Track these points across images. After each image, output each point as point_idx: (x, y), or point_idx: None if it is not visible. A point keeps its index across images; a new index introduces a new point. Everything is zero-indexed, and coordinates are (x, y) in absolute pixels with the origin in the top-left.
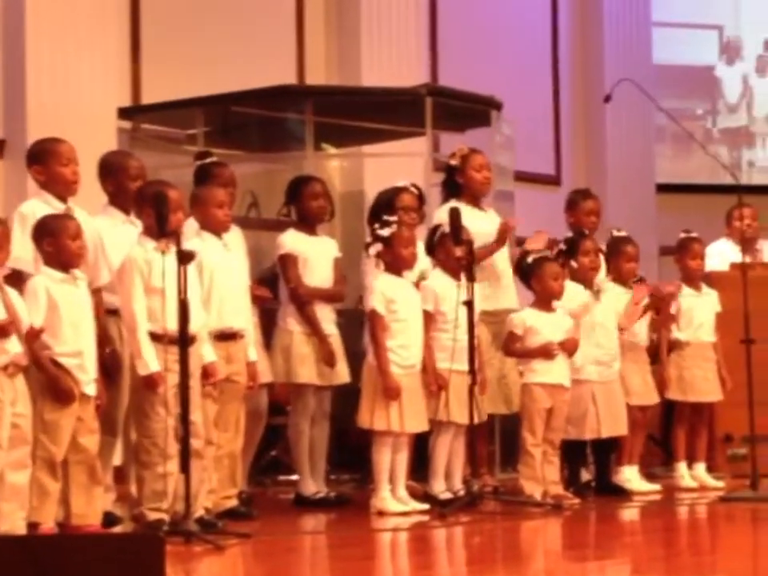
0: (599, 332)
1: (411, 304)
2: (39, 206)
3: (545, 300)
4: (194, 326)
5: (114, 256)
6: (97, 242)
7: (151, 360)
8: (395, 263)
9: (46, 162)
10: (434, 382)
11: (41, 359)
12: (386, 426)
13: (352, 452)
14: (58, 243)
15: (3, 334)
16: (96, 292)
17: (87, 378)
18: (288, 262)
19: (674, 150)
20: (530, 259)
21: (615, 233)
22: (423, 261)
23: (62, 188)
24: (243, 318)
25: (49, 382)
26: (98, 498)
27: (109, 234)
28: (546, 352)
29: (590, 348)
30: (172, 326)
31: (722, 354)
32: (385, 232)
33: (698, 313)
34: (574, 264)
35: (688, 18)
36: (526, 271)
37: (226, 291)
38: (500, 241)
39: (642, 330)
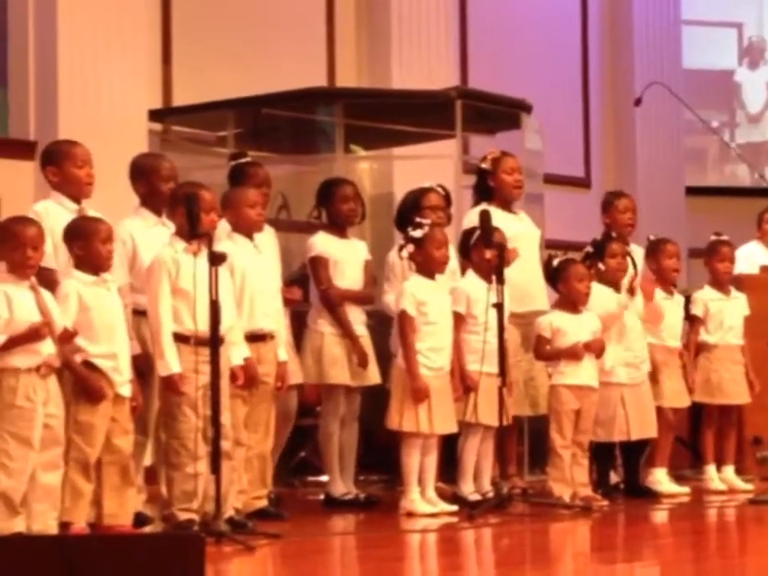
0: (629, 334)
1: (442, 306)
2: (53, 206)
3: (570, 302)
4: (223, 328)
5: (147, 257)
6: (126, 241)
7: (173, 361)
8: (427, 264)
9: (61, 163)
10: (460, 385)
11: (70, 361)
12: (415, 428)
13: (381, 453)
14: (89, 247)
15: (38, 336)
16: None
17: (122, 379)
18: (319, 264)
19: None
20: (555, 262)
21: (652, 237)
22: (454, 262)
23: (75, 189)
24: (274, 319)
25: (79, 383)
26: (130, 498)
27: (141, 236)
28: (573, 353)
29: (620, 351)
30: (201, 326)
31: (750, 357)
32: (417, 233)
33: (727, 316)
34: (601, 266)
35: (701, 14)
36: (552, 274)
37: (256, 293)
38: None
39: (673, 332)
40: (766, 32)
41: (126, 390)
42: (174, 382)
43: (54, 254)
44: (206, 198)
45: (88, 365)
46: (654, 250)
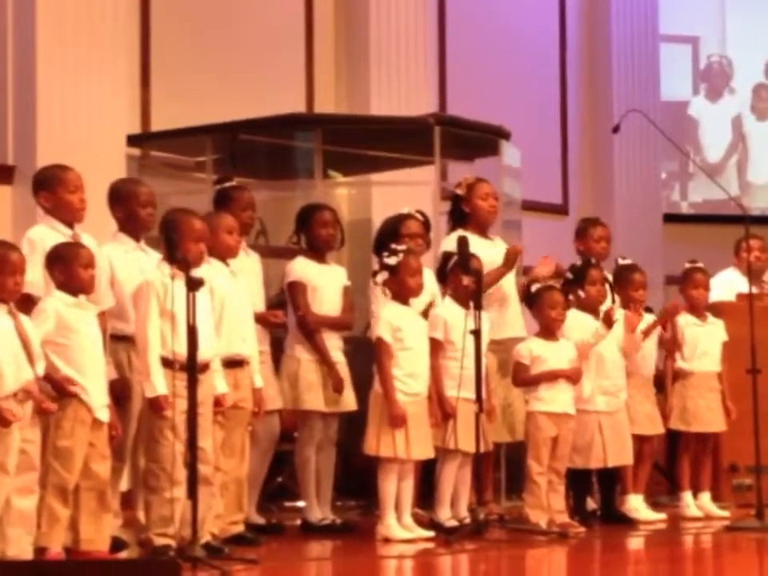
0: (607, 363)
1: (418, 332)
2: (47, 231)
3: (547, 329)
4: (205, 354)
5: (125, 283)
6: (105, 268)
7: (159, 383)
8: (401, 292)
9: (53, 188)
10: (437, 411)
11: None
12: (392, 453)
13: (358, 478)
14: (69, 271)
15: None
16: (100, 316)
17: (98, 403)
18: (296, 290)
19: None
20: (533, 288)
21: (621, 261)
22: (433, 288)
23: (68, 215)
24: (249, 344)
25: (54, 386)
26: (106, 524)
27: (119, 261)
28: (553, 376)
29: (598, 378)
30: (182, 352)
31: (727, 384)
32: (392, 261)
33: (703, 342)
34: (581, 293)
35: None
36: (530, 300)
37: (233, 318)
38: (507, 264)
39: (648, 360)
40: (729, 49)
41: (103, 415)
42: (160, 404)
43: (46, 280)
44: (195, 227)
45: (64, 387)
46: (621, 279)
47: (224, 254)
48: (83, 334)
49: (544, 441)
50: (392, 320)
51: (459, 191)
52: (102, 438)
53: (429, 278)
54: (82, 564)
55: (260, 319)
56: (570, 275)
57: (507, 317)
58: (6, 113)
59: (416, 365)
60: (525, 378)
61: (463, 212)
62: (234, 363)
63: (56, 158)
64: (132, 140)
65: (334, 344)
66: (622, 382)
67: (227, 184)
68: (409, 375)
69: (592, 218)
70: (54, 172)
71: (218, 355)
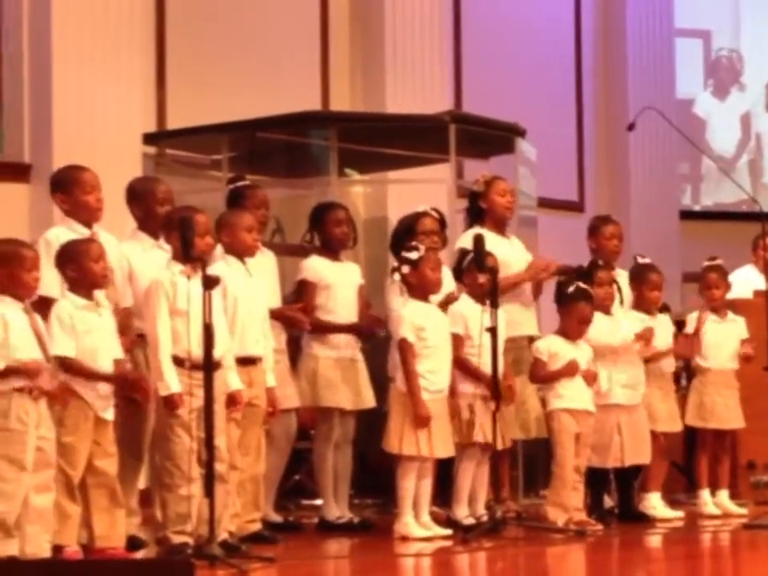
0: (624, 357)
1: (440, 329)
2: (64, 232)
3: (569, 334)
4: (218, 352)
5: (144, 281)
6: (123, 265)
7: (172, 381)
8: (422, 286)
9: (70, 190)
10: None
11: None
12: (416, 451)
13: (375, 476)
14: (81, 267)
15: (36, 374)
16: (125, 312)
17: (103, 403)
18: (304, 288)
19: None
20: (570, 289)
21: (639, 259)
22: (449, 285)
23: (86, 215)
24: (264, 343)
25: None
26: (120, 520)
27: (138, 259)
28: (571, 369)
29: (617, 373)
30: (196, 350)
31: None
32: (413, 255)
33: (721, 339)
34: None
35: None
36: (560, 299)
37: (247, 317)
38: (529, 273)
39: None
40: (742, 44)
41: (108, 414)
42: (174, 401)
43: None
44: (200, 221)
45: (68, 389)
46: (637, 278)
47: (243, 252)
48: (90, 335)
49: (569, 438)
50: (414, 319)
51: (477, 188)
52: (107, 436)
53: (446, 275)
54: (95, 564)
55: (278, 315)
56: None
57: (521, 315)
58: (22, 111)
59: (439, 362)
60: (543, 375)
61: (480, 209)
62: (247, 361)
63: (72, 157)
64: (148, 138)
65: (351, 342)
66: (640, 377)
67: (240, 183)
68: (431, 372)
69: (603, 216)
70: (70, 173)
71: (231, 352)
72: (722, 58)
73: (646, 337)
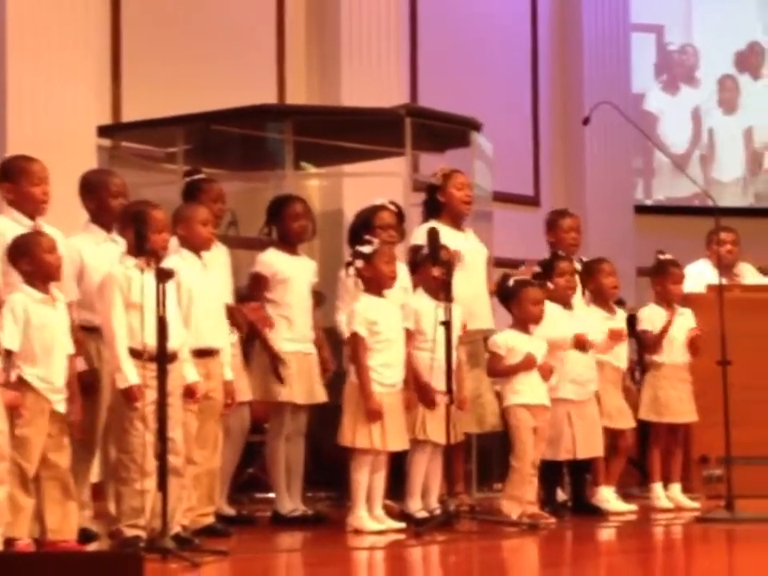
0: (574, 353)
1: (394, 323)
2: (8, 223)
3: (524, 323)
4: (174, 344)
5: (96, 274)
6: (74, 258)
7: (131, 373)
8: (376, 280)
9: (17, 180)
10: (414, 398)
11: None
12: (369, 444)
13: (328, 470)
14: (35, 260)
15: None
16: (67, 307)
17: (57, 397)
18: (257, 281)
19: None
20: (511, 282)
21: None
22: (406, 279)
23: (31, 207)
24: (220, 336)
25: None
26: (72, 513)
27: (90, 252)
28: (529, 363)
29: (566, 368)
30: (151, 342)
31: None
32: (366, 249)
33: (672, 333)
34: (550, 285)
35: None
36: (506, 294)
37: (203, 310)
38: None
39: (621, 353)
40: (695, 39)
41: (61, 407)
42: (133, 394)
43: (5, 272)
44: (156, 217)
45: (23, 381)
46: (590, 271)
47: (198, 246)
48: (46, 330)
49: (527, 432)
50: (367, 313)
51: (435, 181)
52: (59, 429)
53: (401, 270)
54: (45, 556)
55: (239, 316)
56: (538, 269)
57: (476, 309)
58: None
59: (392, 355)
60: (501, 369)
61: (437, 202)
62: (204, 353)
63: (26, 149)
64: (103, 131)
65: (305, 335)
66: (590, 373)
67: (196, 176)
68: (385, 366)
69: (560, 209)
70: (19, 163)
71: (187, 345)
72: (673, 53)
73: (618, 334)
